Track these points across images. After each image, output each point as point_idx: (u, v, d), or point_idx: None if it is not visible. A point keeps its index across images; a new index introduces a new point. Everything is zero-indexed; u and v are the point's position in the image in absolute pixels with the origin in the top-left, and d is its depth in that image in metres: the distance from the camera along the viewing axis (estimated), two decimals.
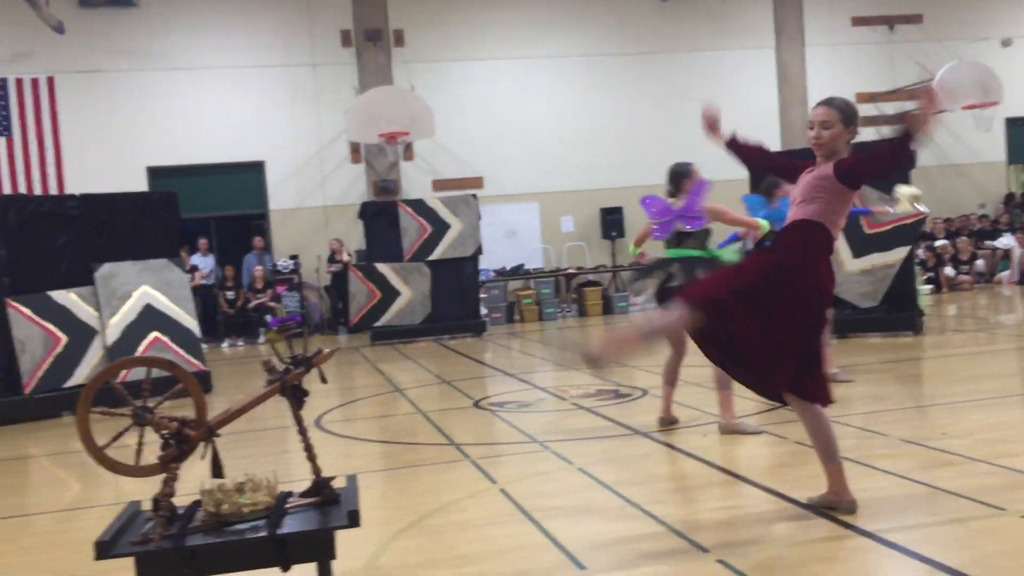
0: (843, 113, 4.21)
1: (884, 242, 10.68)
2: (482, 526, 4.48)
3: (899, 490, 4.60)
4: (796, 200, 4.24)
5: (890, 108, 18.74)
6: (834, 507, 4.19)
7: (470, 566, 3.93)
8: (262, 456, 6.31)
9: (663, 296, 6.05)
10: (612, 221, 17.84)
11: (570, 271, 17.78)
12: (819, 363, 4.14)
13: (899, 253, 10.64)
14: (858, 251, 10.77)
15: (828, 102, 4.28)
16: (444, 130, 16.65)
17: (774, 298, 4.00)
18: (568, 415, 7.38)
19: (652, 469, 5.39)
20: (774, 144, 17.19)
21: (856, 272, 10.77)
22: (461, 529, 4.46)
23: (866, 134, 13.98)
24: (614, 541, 4.16)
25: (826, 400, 4.15)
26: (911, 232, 10.70)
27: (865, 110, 17.26)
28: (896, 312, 10.85)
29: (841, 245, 10.22)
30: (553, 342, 13.52)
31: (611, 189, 17.77)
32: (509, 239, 17.78)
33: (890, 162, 4.10)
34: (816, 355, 4.13)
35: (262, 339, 15.95)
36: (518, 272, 17.63)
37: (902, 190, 10.26)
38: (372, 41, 17.13)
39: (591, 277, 17.73)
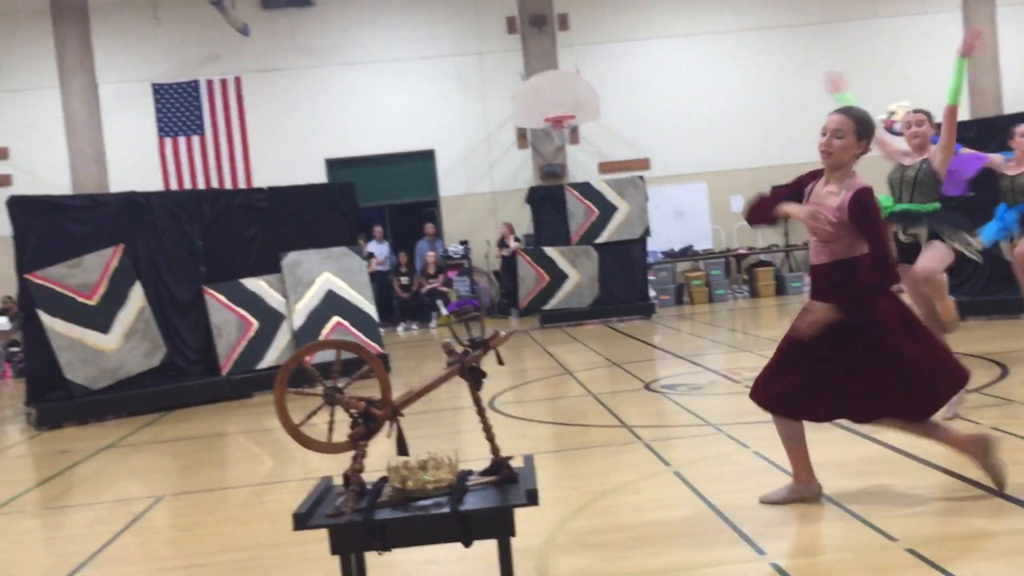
0: (858, 125, 4.05)
1: None
2: (657, 508, 4.47)
3: None
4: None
5: None
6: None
7: (646, 547, 3.94)
8: (438, 436, 6.51)
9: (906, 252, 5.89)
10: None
11: (741, 251, 17.38)
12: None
13: None
14: None
15: (846, 111, 4.12)
16: (610, 112, 16.59)
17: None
18: (742, 398, 7.21)
19: (832, 454, 5.22)
20: (962, 114, 16.20)
21: None
22: (636, 511, 4.47)
23: None
24: (794, 527, 4.07)
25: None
26: None
27: None
28: None
29: None
30: (724, 324, 13.25)
31: (783, 166, 17.11)
32: (677, 220, 17.55)
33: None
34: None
35: (434, 323, 16.43)
36: (687, 253, 17.38)
37: None
38: (537, 26, 17.24)
39: (763, 257, 17.27)
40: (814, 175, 4.23)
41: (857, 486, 4.51)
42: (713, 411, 6.74)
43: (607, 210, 14.90)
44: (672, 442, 5.94)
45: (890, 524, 3.89)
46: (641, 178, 15.32)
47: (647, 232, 14.98)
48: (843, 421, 5.74)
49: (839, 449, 5.24)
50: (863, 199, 3.98)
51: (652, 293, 15.81)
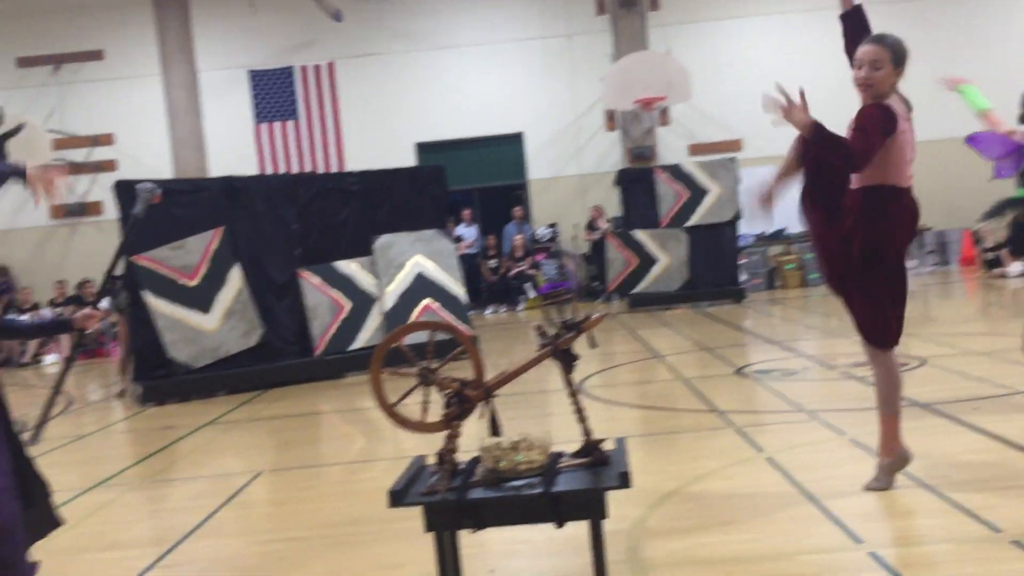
0: (894, 53, 4.02)
1: None
2: (749, 494, 4.42)
3: None
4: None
5: None
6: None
7: (739, 533, 3.90)
8: (527, 418, 6.55)
9: (1017, 240, 5.62)
10: None
11: None
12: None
13: None
14: None
15: (880, 39, 4.04)
16: (701, 93, 16.34)
17: None
18: (837, 384, 7.09)
19: (932, 443, 5.07)
20: None
21: None
22: (727, 496, 4.42)
23: None
24: (892, 516, 3.98)
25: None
26: None
27: None
28: None
29: None
30: (818, 309, 12.96)
31: None
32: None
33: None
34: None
35: (522, 306, 16.48)
36: (779, 237, 17.03)
37: None
38: (627, 7, 17.06)
39: None
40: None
41: (960, 477, 4.38)
42: (807, 397, 6.61)
43: (697, 192, 14.70)
44: (765, 428, 5.85)
45: (994, 515, 3.77)
46: (733, 159, 15.06)
47: (738, 215, 14.73)
48: (944, 410, 5.57)
49: (941, 439, 5.09)
50: (869, 109, 4.00)
51: (743, 277, 15.56)
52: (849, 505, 4.10)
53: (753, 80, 17.14)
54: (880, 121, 3.95)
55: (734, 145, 17.05)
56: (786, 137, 16.41)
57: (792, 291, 15.90)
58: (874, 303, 4.11)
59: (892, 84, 4.06)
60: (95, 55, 17.60)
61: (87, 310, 3.50)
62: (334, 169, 16.97)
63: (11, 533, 3.22)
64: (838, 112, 18.14)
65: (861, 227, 4.07)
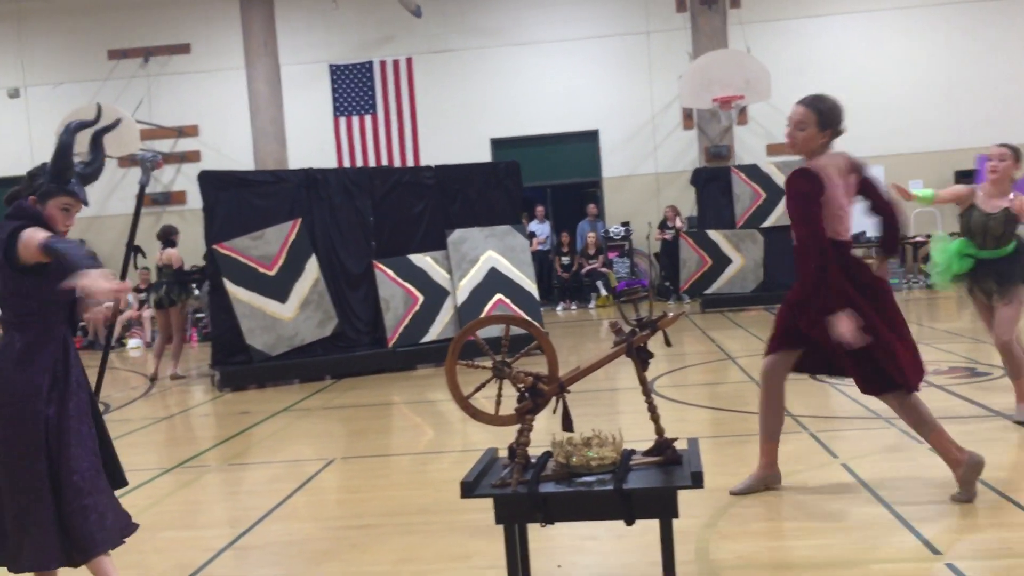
0: (820, 116, 4.16)
1: None
2: (824, 500, 4.35)
3: None
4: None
5: None
6: None
7: (810, 538, 3.84)
8: (597, 416, 6.53)
9: None
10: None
11: (918, 239, 16.51)
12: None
13: None
14: None
15: (811, 102, 4.21)
16: (781, 92, 16.03)
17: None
18: (923, 393, 6.90)
19: (1013, 454, 4.93)
20: None
21: None
22: (800, 501, 4.36)
23: None
24: (973, 528, 3.87)
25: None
26: None
27: None
28: None
29: None
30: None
31: (968, 149, 16.22)
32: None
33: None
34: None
35: (593, 304, 16.43)
36: (858, 240, 16.64)
37: None
38: (707, 4, 16.86)
39: None
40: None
41: None
42: (884, 404, 6.45)
43: (775, 193, 14.46)
44: (840, 434, 5.74)
45: None
46: None
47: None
48: None
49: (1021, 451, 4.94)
50: (793, 181, 4.15)
51: None
52: (927, 515, 4.01)
53: (835, 80, 16.81)
54: (804, 196, 4.10)
55: None
56: (869, 139, 16.19)
57: None
58: (853, 352, 4.07)
59: (821, 144, 4.21)
60: (182, 48, 18.06)
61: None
62: (410, 163, 17.13)
63: (90, 508, 3.33)
64: (925, 114, 17.70)
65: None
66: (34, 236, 3.23)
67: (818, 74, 16.80)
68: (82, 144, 3.46)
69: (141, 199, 3.47)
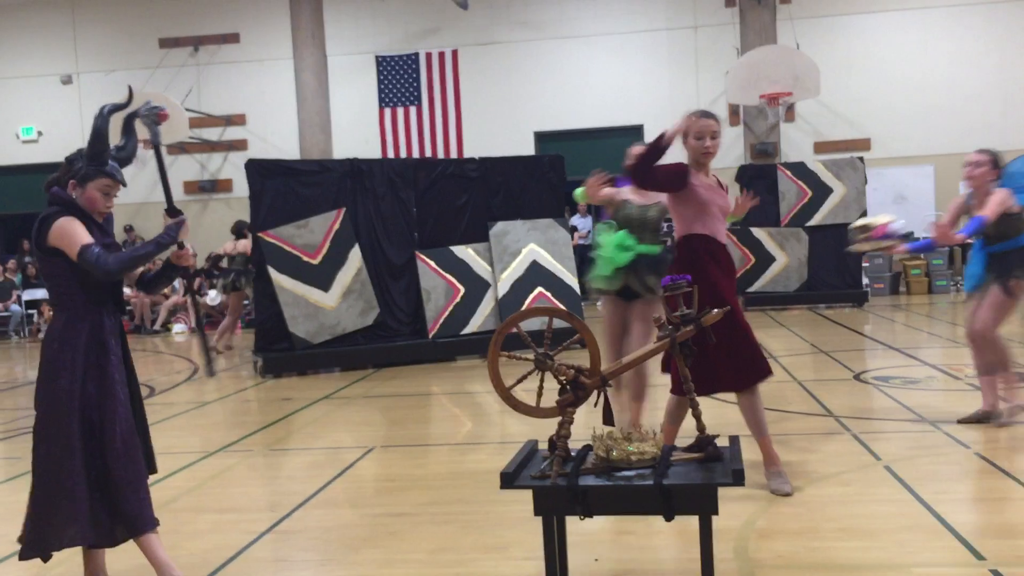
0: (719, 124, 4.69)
1: None
2: (866, 502, 4.29)
3: None
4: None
5: None
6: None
7: (852, 540, 3.80)
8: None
9: None
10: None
11: (968, 241, 16.22)
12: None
13: None
14: None
15: (713, 114, 4.65)
16: (830, 89, 15.88)
17: None
18: (963, 395, 6.80)
19: None
20: None
21: None
22: (842, 502, 4.31)
23: None
24: (1019, 535, 3.80)
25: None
26: None
27: None
28: None
29: None
30: (944, 316, 12.46)
31: (1021, 151, 15.92)
32: (898, 205, 16.57)
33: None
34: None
35: None
36: (907, 239, 16.40)
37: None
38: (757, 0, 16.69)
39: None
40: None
41: None
42: (930, 407, 6.37)
43: (821, 191, 14.31)
44: (884, 436, 5.66)
45: None
46: (861, 159, 14.60)
47: (864, 216, 14.26)
48: None
49: None
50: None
51: (865, 280, 15.07)
52: (972, 520, 3.95)
53: (886, 77, 16.63)
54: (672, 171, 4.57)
55: (862, 144, 16.51)
56: (918, 138, 15.91)
57: (917, 297, 15.32)
58: (727, 345, 4.30)
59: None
60: (231, 38, 18.26)
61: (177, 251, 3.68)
62: (454, 155, 17.18)
63: (136, 482, 3.40)
64: (976, 115, 17.42)
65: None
66: (75, 237, 3.34)
67: (868, 72, 16.61)
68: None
69: (160, 158, 3.49)
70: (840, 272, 14.29)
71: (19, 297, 16.99)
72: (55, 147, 17.43)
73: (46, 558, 3.45)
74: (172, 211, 3.72)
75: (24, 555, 3.43)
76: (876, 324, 12.11)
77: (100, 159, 3.49)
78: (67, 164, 3.53)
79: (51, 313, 3.68)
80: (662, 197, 5.44)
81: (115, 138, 3.55)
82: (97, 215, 3.50)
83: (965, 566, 3.49)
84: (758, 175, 14.71)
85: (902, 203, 16.62)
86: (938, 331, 11.15)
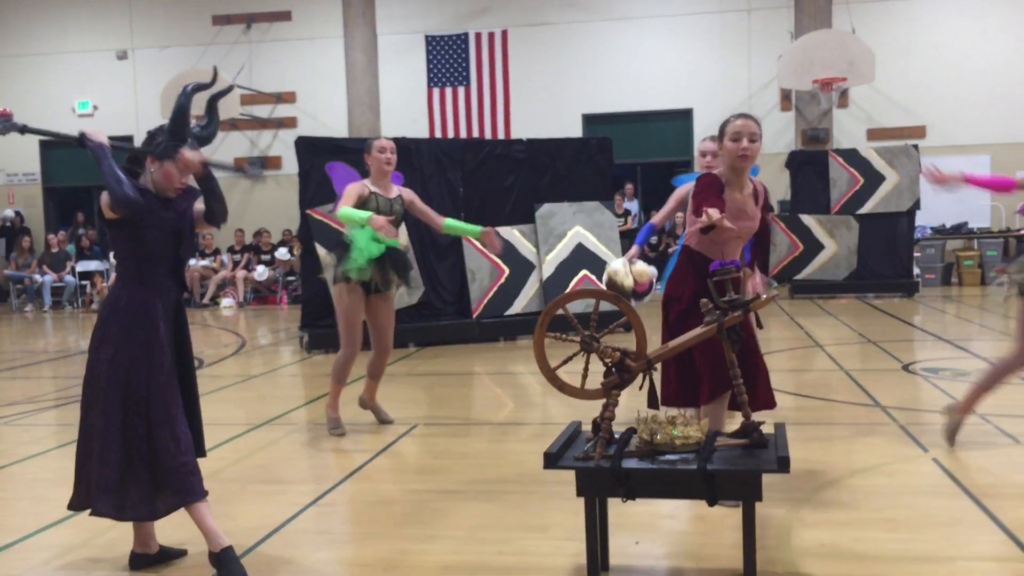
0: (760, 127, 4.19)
1: None
2: (913, 494, 4.24)
3: None
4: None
5: None
6: None
7: (896, 532, 3.76)
8: None
9: None
10: None
11: (1023, 232, 15.88)
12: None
13: None
14: None
15: (751, 115, 4.22)
16: (884, 75, 15.59)
17: None
18: (1014, 389, 6.66)
19: None
20: None
21: None
22: (888, 493, 4.26)
23: None
24: None
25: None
26: None
27: None
28: None
29: None
30: (997, 309, 12.22)
31: None
32: (953, 194, 16.23)
33: None
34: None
35: None
36: (960, 231, 16.12)
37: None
38: None
39: None
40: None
41: None
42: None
43: (874, 179, 14.07)
44: (931, 427, 5.57)
45: None
46: (915, 147, 14.33)
47: (917, 205, 14.04)
48: None
49: None
50: (709, 178, 4.16)
51: (916, 271, 14.83)
52: (1019, 513, 3.88)
53: (943, 63, 16.29)
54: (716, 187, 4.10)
55: (917, 131, 16.20)
56: (974, 126, 15.65)
57: (969, 289, 15.04)
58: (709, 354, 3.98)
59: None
60: (283, 16, 18.37)
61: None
62: (501, 136, 17.15)
63: (183, 455, 3.47)
64: None
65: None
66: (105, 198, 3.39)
67: (924, 58, 16.28)
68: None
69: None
70: (891, 261, 14.07)
71: (73, 268, 17.35)
72: (110, 121, 17.71)
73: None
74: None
75: (73, 505, 3.56)
76: (926, 315, 11.92)
77: (181, 136, 3.53)
78: (148, 138, 3.58)
79: (105, 284, 3.75)
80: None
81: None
82: (172, 191, 3.54)
83: (1013, 561, 3.44)
84: (808, 161, 14.51)
85: (957, 192, 16.28)
86: (990, 323, 10.94)
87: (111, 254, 3.76)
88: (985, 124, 16.14)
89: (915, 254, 14.85)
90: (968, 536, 3.69)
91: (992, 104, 16.06)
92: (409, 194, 6.09)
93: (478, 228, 5.96)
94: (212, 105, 3.73)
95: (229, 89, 3.82)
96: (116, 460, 3.39)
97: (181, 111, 3.52)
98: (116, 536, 3.93)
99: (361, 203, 5.65)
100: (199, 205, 3.66)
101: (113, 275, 3.71)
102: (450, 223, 6.17)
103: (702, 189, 4.06)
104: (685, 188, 5.50)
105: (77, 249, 17.90)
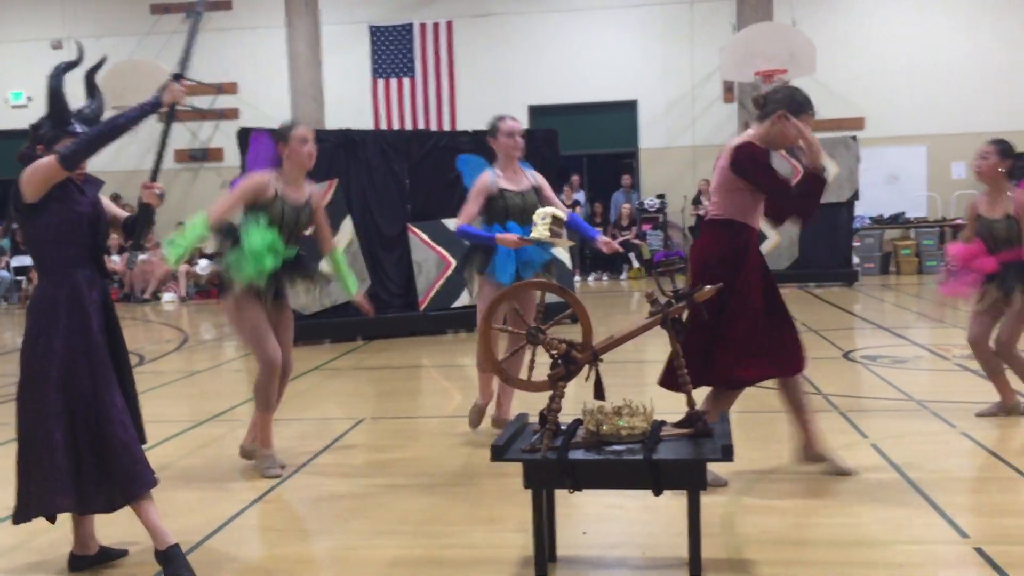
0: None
1: None
2: (852, 480, 4.31)
3: None
4: None
5: None
6: None
7: (837, 516, 3.83)
8: (626, 386, 6.49)
9: None
10: (1018, 168, 15.95)
11: (958, 222, 16.25)
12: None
13: None
14: None
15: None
16: (825, 67, 15.81)
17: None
18: (950, 375, 6.85)
19: None
20: None
21: None
22: (829, 479, 4.34)
23: None
24: (1003, 514, 3.84)
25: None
26: None
27: None
28: None
29: None
30: (933, 296, 12.51)
31: (1018, 132, 15.92)
32: (890, 185, 16.61)
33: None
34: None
35: (625, 275, 16.39)
36: (897, 221, 16.46)
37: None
38: None
39: None
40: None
41: None
42: (917, 386, 6.42)
43: None
44: (871, 414, 5.70)
45: None
46: (854, 138, 14.58)
47: (855, 196, 14.28)
48: None
49: None
50: (750, 147, 4.47)
51: (855, 260, 15.11)
52: (956, 498, 3.98)
53: (881, 57, 16.59)
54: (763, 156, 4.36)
55: (856, 123, 16.49)
56: (912, 118, 15.84)
57: (907, 277, 15.37)
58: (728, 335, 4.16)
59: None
60: (223, 5, 18.07)
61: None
62: (447, 127, 17.09)
63: (132, 445, 3.40)
64: (972, 95, 17.31)
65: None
66: (37, 166, 3.33)
67: (864, 50, 16.57)
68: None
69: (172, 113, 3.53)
70: (831, 251, 14.31)
71: (8, 263, 16.91)
72: (43, 112, 17.26)
73: (52, 519, 3.45)
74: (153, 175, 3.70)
75: (16, 519, 3.44)
76: (866, 303, 12.16)
77: (63, 119, 3.44)
78: (32, 131, 3.50)
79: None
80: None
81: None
82: (74, 177, 3.47)
83: (948, 543, 3.52)
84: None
85: (894, 183, 16.65)
86: (927, 311, 11.20)
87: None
88: (921, 116, 16.50)
89: (854, 244, 15.13)
90: (906, 519, 3.77)
91: (929, 96, 16.42)
92: (320, 198, 5.27)
93: (354, 287, 5.40)
94: (90, 80, 3.67)
95: (102, 61, 3.75)
96: (65, 460, 3.31)
97: (54, 93, 3.46)
98: (55, 538, 3.84)
99: (261, 207, 4.86)
100: (108, 201, 3.61)
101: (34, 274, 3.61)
102: (336, 259, 5.45)
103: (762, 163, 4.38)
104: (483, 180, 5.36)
105: (12, 243, 17.45)
